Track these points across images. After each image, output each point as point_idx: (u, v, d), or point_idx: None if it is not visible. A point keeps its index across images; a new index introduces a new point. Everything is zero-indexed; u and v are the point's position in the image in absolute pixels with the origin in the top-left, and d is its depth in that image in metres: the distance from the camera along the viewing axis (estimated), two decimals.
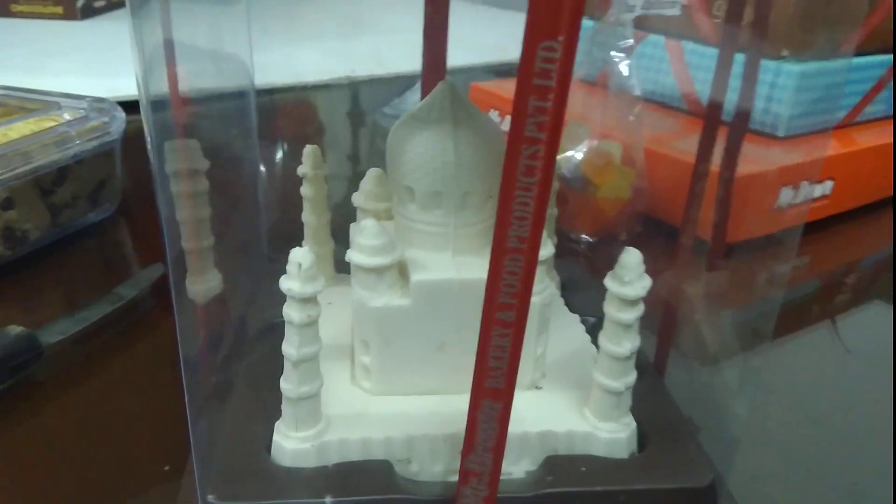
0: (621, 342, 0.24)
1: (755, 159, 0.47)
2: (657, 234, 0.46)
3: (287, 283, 0.22)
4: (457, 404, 0.26)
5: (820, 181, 0.50)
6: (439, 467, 0.25)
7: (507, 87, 0.60)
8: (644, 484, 0.24)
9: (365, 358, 0.26)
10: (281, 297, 0.22)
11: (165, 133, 0.22)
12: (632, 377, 0.25)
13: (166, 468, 0.27)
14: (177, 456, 0.27)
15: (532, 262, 0.18)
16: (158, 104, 0.22)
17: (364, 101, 0.78)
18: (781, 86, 0.50)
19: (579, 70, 0.50)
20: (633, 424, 0.26)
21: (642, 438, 0.26)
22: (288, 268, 0.22)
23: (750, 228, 0.47)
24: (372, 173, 0.30)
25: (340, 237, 0.31)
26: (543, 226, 0.18)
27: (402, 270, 0.26)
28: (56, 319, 0.32)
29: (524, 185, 0.17)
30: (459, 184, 0.25)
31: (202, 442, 0.24)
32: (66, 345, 0.32)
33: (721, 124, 0.32)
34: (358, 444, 0.25)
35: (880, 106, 0.57)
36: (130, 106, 0.44)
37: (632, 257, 0.23)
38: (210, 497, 0.22)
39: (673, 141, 0.51)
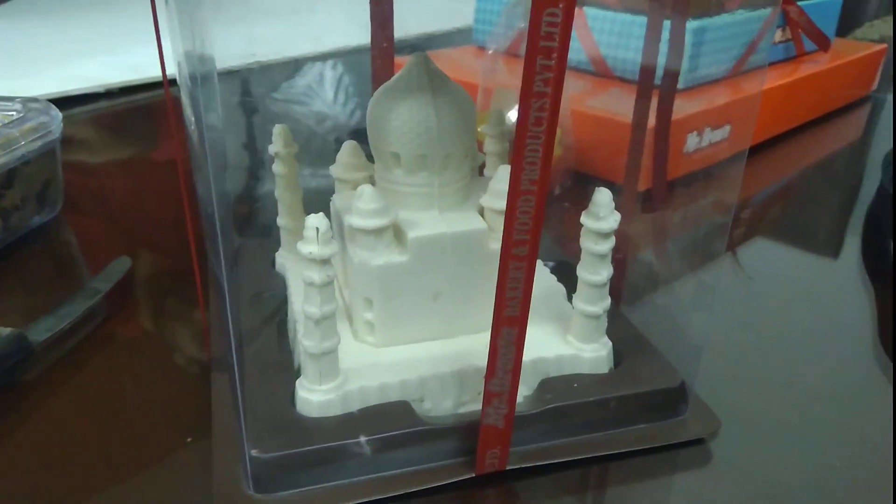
0: (599, 271, 0.28)
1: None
2: (585, 186, 0.50)
3: (307, 247, 0.24)
4: (454, 346, 0.29)
5: (719, 126, 0.56)
6: (449, 402, 0.28)
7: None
8: (628, 390, 0.28)
9: (368, 314, 0.29)
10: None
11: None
12: (608, 302, 0.29)
13: (189, 440, 0.28)
14: (196, 427, 0.29)
15: (541, 202, 0.21)
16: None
17: (254, 87, 0.77)
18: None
19: (500, 42, 0.53)
20: (610, 344, 0.30)
21: (615, 357, 0.30)
22: (306, 233, 0.24)
23: (669, 171, 0.52)
24: (347, 146, 0.32)
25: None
26: (550, 170, 0.21)
27: (395, 231, 0.28)
28: (39, 318, 0.33)
29: (534, 134, 0.20)
30: (442, 146, 0.28)
31: (250, 403, 0.25)
32: (53, 342, 0.32)
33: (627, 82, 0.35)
34: (376, 390, 0.27)
35: (761, 56, 0.63)
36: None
37: (604, 196, 0.27)
38: (253, 451, 0.24)
39: (586, 100, 0.55)
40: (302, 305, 0.25)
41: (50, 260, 0.41)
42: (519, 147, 0.20)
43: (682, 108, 0.53)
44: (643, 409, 0.28)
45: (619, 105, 0.53)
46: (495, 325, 0.23)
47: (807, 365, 0.33)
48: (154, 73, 0.74)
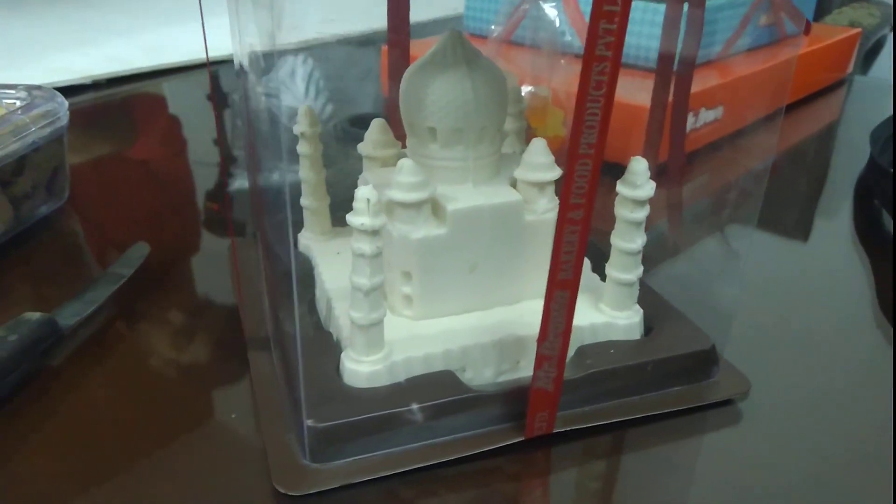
0: (634, 239, 0.28)
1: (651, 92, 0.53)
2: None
3: (359, 219, 0.24)
4: (491, 318, 0.30)
5: (713, 107, 0.57)
6: (489, 371, 0.28)
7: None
8: (663, 354, 0.29)
9: (406, 288, 0.29)
10: None
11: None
12: (640, 269, 0.29)
13: (233, 416, 0.28)
14: (238, 403, 0.29)
15: (597, 166, 0.22)
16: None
17: (224, 83, 0.76)
18: (661, 24, 0.56)
19: (503, 29, 0.53)
20: (641, 311, 0.30)
21: (644, 324, 0.31)
22: (356, 205, 0.24)
23: (664, 152, 0.54)
24: (376, 123, 0.32)
25: None
26: (607, 134, 0.21)
27: (433, 205, 0.29)
28: (64, 304, 0.32)
29: (594, 98, 0.20)
30: (478, 119, 0.28)
31: (317, 378, 0.26)
32: (81, 326, 0.32)
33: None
34: (420, 361, 0.27)
35: (747, 39, 0.65)
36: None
37: (640, 165, 0.27)
38: (309, 422, 0.25)
39: None
40: (350, 277, 0.25)
41: (62, 248, 0.41)
42: (579, 111, 0.21)
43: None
44: (677, 372, 0.29)
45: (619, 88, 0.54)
46: (549, 288, 0.23)
47: (821, 331, 0.34)
48: (139, 63, 0.73)
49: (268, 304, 0.32)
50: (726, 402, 0.29)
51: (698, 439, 0.28)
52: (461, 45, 0.28)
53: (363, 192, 0.24)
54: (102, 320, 0.33)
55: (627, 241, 0.28)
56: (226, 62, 0.80)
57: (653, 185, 0.28)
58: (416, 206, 0.27)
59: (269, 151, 0.26)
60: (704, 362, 0.29)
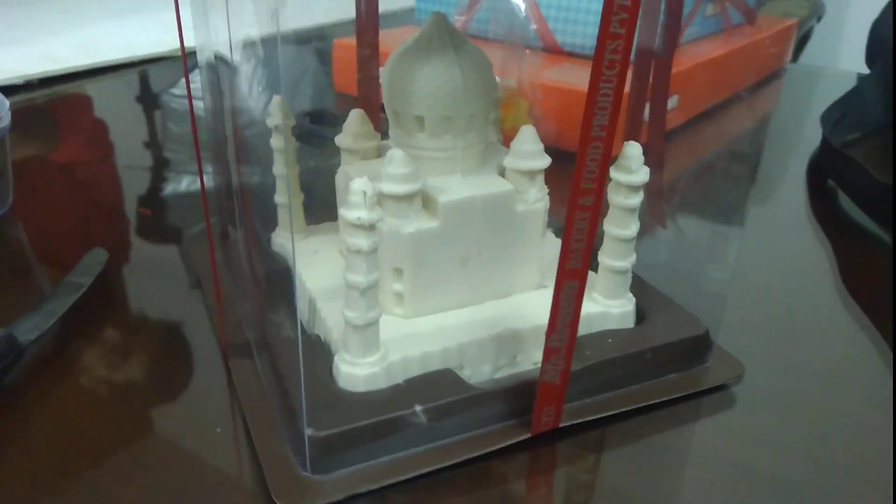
0: (628, 225, 0.28)
1: None
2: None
3: (355, 213, 0.23)
4: (484, 312, 0.29)
5: (669, 96, 0.58)
6: (487, 367, 0.28)
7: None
8: (659, 341, 0.28)
9: (397, 285, 0.28)
10: None
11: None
12: (634, 257, 0.29)
13: (218, 430, 0.26)
14: (220, 415, 0.27)
15: (608, 151, 0.21)
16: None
17: (152, 83, 0.72)
18: None
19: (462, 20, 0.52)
20: (633, 299, 0.30)
21: (637, 311, 0.30)
22: (351, 198, 0.23)
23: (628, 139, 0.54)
24: (355, 114, 0.30)
25: None
26: (619, 116, 0.20)
27: (422, 197, 0.27)
28: (22, 317, 0.30)
29: (607, 78, 0.20)
30: (467, 107, 0.27)
31: (310, 383, 0.24)
32: (41, 341, 0.29)
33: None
34: (418, 360, 0.26)
35: (695, 28, 0.66)
36: None
37: (635, 149, 0.27)
38: (309, 431, 0.23)
39: (544, 73, 0.56)
40: (345, 275, 0.24)
41: (7, 258, 0.38)
42: (592, 91, 0.20)
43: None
44: (674, 359, 0.29)
45: (577, 77, 0.54)
46: (559, 278, 0.22)
47: (799, 312, 0.35)
48: (72, 62, 0.69)
49: (247, 308, 0.31)
50: (719, 387, 0.29)
51: (699, 424, 0.28)
52: (447, 30, 0.27)
53: (359, 185, 0.23)
54: (62, 332, 0.31)
55: (622, 227, 0.28)
56: (157, 60, 0.77)
57: (647, 170, 0.27)
58: (408, 198, 0.26)
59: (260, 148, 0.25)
60: (699, 347, 0.29)
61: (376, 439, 0.24)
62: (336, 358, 0.26)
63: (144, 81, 0.71)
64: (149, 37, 0.77)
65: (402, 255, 0.27)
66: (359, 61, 0.37)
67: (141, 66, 0.72)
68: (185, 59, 0.25)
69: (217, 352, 0.30)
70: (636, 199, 0.27)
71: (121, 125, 0.60)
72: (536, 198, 0.29)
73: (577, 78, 0.54)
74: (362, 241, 0.23)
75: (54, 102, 0.63)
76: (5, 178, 0.39)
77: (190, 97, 0.25)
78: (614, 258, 0.29)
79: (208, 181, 0.43)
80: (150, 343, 0.31)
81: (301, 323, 0.30)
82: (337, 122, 0.32)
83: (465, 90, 0.27)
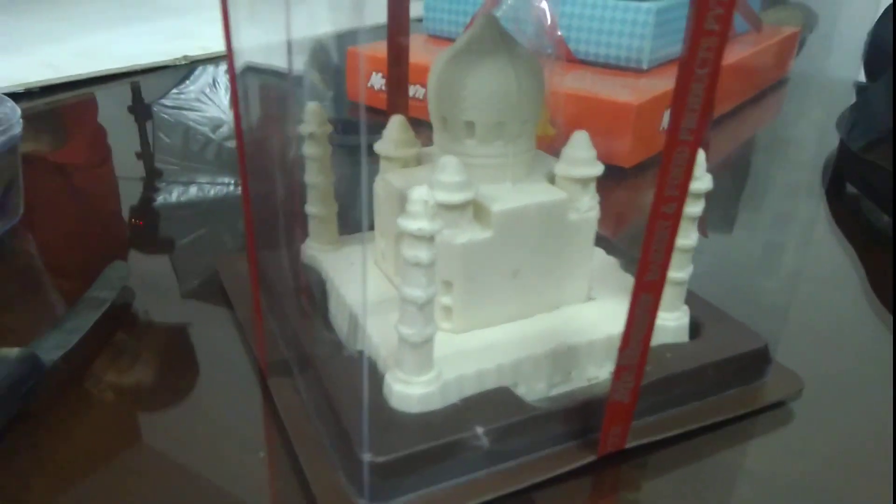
0: (689, 234, 0.27)
1: (636, 90, 0.52)
2: None
3: (416, 223, 0.21)
4: (536, 326, 0.27)
5: None
6: (542, 384, 0.26)
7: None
8: (720, 355, 0.27)
9: (446, 299, 0.26)
10: None
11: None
12: (691, 268, 0.28)
13: (261, 454, 0.25)
14: (261, 439, 0.25)
15: (694, 154, 0.20)
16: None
17: (146, 94, 0.70)
18: (642, 23, 0.55)
19: None
20: (688, 311, 0.29)
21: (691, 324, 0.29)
22: (411, 207, 0.21)
23: (646, 149, 0.53)
24: (395, 120, 0.29)
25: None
26: (708, 119, 0.19)
27: (474, 206, 0.26)
28: (45, 335, 0.28)
29: (698, 77, 0.19)
30: (520, 112, 0.26)
31: (355, 403, 0.22)
32: (64, 360, 0.28)
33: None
34: (473, 378, 0.25)
35: None
36: None
37: (699, 155, 0.26)
38: (368, 456, 0.22)
39: (562, 81, 0.55)
40: (401, 289, 0.22)
41: (22, 272, 0.36)
42: (681, 92, 0.19)
43: (652, 86, 0.54)
44: (734, 374, 0.28)
45: (594, 85, 0.53)
46: (636, 291, 0.21)
47: (847, 324, 0.34)
48: (73, 70, 0.67)
49: (285, 324, 0.29)
50: (778, 403, 0.28)
51: (759, 441, 0.27)
52: (498, 31, 0.26)
53: (419, 194, 0.21)
54: (86, 351, 0.29)
55: (682, 236, 0.27)
56: (149, 71, 0.75)
57: (710, 177, 0.26)
58: (461, 207, 0.25)
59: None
60: (759, 362, 0.28)
61: (437, 463, 0.22)
62: (388, 376, 0.24)
63: (137, 92, 0.69)
64: (150, 45, 0.75)
65: (453, 267, 0.26)
66: (389, 65, 0.35)
67: (142, 76, 0.70)
68: (232, 67, 0.23)
69: (252, 370, 0.29)
70: (698, 208, 0.26)
71: (114, 135, 0.58)
72: (589, 206, 0.27)
73: (594, 86, 0.53)
74: (422, 253, 0.22)
75: (60, 109, 0.61)
76: (16, 187, 0.37)
77: (236, 105, 0.24)
78: (672, 269, 0.27)
79: (236, 191, 0.41)
80: (179, 362, 0.29)
81: (339, 339, 0.29)
82: (372, 131, 0.30)
83: (519, 94, 0.26)
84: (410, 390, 0.24)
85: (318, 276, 0.31)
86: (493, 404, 0.24)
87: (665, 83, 0.55)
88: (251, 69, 0.29)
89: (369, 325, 0.27)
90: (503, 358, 0.25)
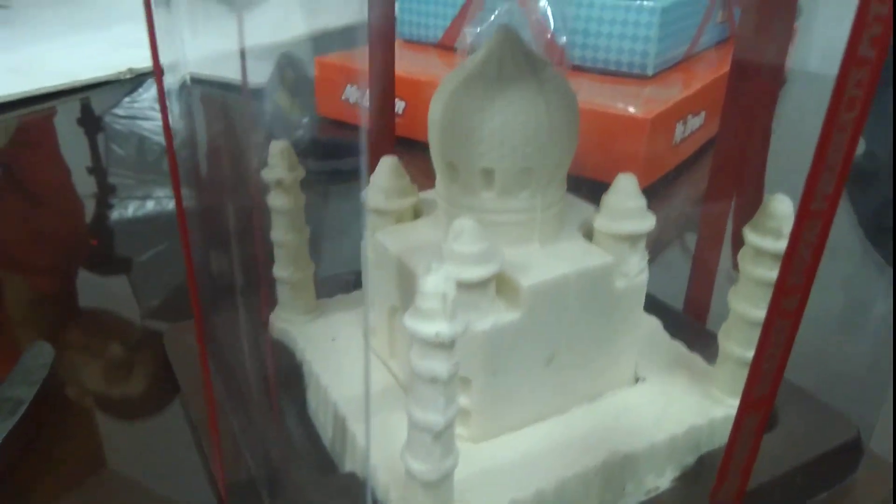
0: (762, 304, 0.21)
1: (645, 101, 0.46)
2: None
3: (433, 325, 0.15)
4: (576, 426, 0.22)
5: (698, 113, 0.51)
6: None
7: (362, 58, 0.54)
8: (808, 454, 0.21)
9: (463, 399, 0.20)
10: None
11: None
12: None
13: None
14: None
15: (825, 232, 0.14)
16: None
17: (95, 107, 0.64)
18: (646, 24, 0.50)
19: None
20: None
21: None
22: (424, 304, 0.15)
23: (660, 166, 0.47)
24: (386, 164, 0.23)
25: None
26: (844, 182, 0.13)
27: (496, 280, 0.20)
28: None
29: (841, 125, 0.13)
30: (552, 154, 0.20)
31: None
32: None
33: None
34: None
35: (707, 37, 0.60)
36: None
37: (784, 206, 0.20)
38: None
39: None
40: (410, 411, 0.16)
41: None
42: (823, 142, 0.13)
43: (663, 95, 0.48)
44: (823, 474, 0.22)
45: (601, 96, 0.47)
46: (741, 410, 0.15)
47: None
48: (7, 89, 0.60)
49: (249, 430, 0.23)
50: None
51: None
52: (521, 50, 0.20)
53: (435, 284, 0.15)
54: (3, 468, 0.22)
55: (754, 306, 0.21)
56: (91, 88, 0.68)
57: None
58: (483, 285, 0.19)
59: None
60: (850, 455, 0.22)
61: None
62: None
63: (87, 106, 0.62)
64: (89, 59, 0.67)
65: (472, 360, 0.20)
66: (371, 79, 0.29)
67: (82, 93, 0.63)
68: (160, 84, 0.17)
69: (210, 493, 0.22)
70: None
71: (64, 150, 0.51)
72: (639, 269, 0.22)
73: (596, 96, 0.47)
74: (441, 366, 0.16)
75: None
76: None
77: (168, 131, 0.17)
78: (744, 345, 0.22)
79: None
80: (113, 483, 0.23)
81: (320, 439, 0.22)
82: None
83: (551, 131, 0.20)
84: None
85: (291, 358, 0.25)
86: None
87: (675, 91, 0.49)
88: (198, 82, 0.23)
89: (361, 436, 0.20)
90: (542, 479, 0.19)
